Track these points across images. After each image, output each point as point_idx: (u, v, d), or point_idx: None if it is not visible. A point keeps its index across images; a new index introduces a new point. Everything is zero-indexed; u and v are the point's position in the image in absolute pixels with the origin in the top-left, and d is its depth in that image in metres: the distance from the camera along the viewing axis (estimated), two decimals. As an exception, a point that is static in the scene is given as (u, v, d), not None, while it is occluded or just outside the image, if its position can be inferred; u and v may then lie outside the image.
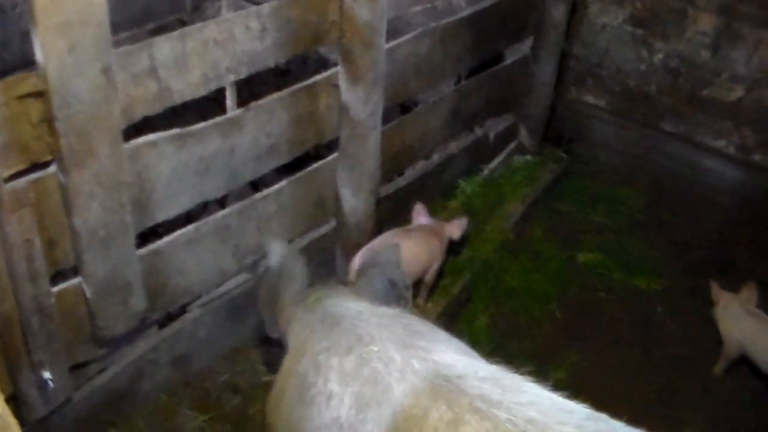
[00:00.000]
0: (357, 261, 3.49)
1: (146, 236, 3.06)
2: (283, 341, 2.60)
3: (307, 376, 2.16)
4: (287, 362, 2.35)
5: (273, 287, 2.73)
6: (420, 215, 3.92)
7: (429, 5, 4.71)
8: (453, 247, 3.99)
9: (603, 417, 1.80)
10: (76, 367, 2.99)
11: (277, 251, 2.81)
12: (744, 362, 3.81)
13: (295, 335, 2.40)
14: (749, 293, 3.83)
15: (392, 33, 3.61)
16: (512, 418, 1.73)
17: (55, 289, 2.68)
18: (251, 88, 3.62)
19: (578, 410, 1.80)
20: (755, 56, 4.60)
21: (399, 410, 1.88)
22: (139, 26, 4.97)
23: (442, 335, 2.20)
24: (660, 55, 4.95)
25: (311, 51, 4.85)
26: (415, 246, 3.62)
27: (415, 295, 3.82)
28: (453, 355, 2.03)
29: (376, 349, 2.04)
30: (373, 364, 2.01)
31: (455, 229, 3.88)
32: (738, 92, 4.75)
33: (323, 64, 3.47)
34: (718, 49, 4.72)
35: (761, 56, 4.59)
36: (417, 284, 3.78)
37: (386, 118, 3.73)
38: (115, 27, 2.46)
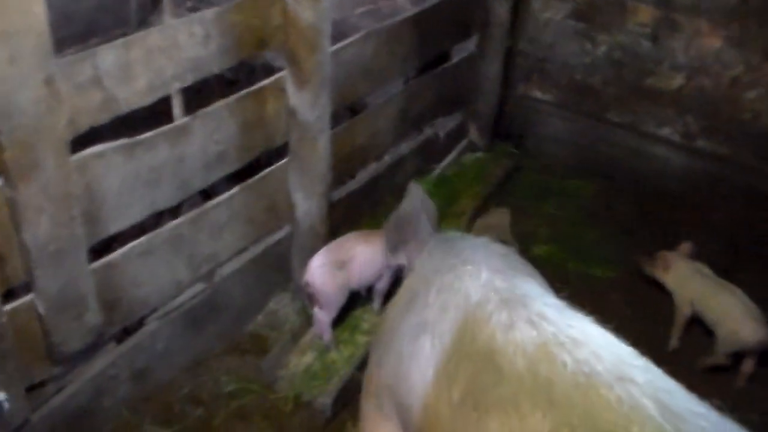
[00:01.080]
0: (315, 260, 3.50)
1: (101, 252, 3.03)
2: (402, 267, 3.07)
3: (417, 288, 2.57)
4: (407, 280, 2.75)
5: (405, 222, 3.03)
6: None
7: (373, 6, 4.72)
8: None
9: (647, 366, 2.01)
10: (33, 388, 2.92)
11: (414, 193, 3.09)
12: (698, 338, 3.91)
13: (420, 261, 2.78)
14: (686, 250, 4.10)
15: (338, 37, 3.61)
16: (557, 332, 2.03)
17: (7, 307, 2.62)
18: (200, 100, 3.60)
19: (620, 346, 2.07)
20: (693, 45, 4.70)
21: (470, 313, 2.24)
22: (83, 42, 4.92)
23: (536, 276, 2.61)
24: (603, 48, 5.03)
25: (258, 59, 4.84)
26: (371, 251, 3.62)
27: (370, 300, 3.87)
28: (533, 286, 2.39)
29: (470, 267, 2.42)
30: (464, 281, 2.37)
31: None
32: (679, 80, 4.84)
33: (270, 73, 3.46)
34: (658, 39, 4.81)
35: (698, 45, 4.69)
36: (370, 290, 3.80)
37: (336, 122, 3.74)
38: (60, 43, 2.43)
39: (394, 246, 3.09)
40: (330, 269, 3.48)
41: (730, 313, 3.76)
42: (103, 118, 2.67)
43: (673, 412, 1.82)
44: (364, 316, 3.84)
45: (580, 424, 1.85)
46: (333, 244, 3.61)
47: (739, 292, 3.81)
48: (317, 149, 3.47)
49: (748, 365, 3.77)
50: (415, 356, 2.36)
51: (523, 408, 1.94)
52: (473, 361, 2.13)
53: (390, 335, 2.58)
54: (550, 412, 1.90)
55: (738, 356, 3.79)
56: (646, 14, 4.81)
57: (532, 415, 1.92)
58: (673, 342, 3.95)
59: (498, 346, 2.08)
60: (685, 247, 4.12)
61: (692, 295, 3.94)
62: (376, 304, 3.83)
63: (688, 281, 3.99)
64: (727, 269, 4.09)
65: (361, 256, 3.58)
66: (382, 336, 2.71)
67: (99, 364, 3.14)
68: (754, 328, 3.67)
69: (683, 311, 3.95)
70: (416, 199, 3.07)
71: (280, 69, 3.35)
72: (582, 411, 1.86)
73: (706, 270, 4.02)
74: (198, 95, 3.77)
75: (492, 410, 2.01)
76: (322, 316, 3.57)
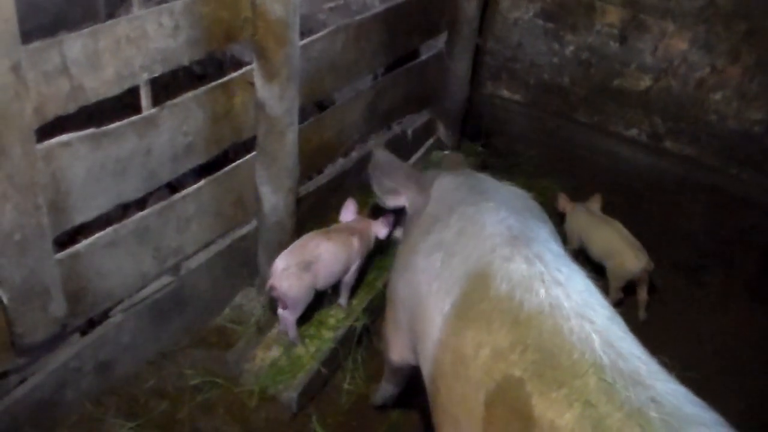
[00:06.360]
0: (279, 262, 3.49)
1: (66, 243, 3.01)
2: (403, 205, 3.34)
3: (439, 214, 2.87)
4: (428, 208, 3.01)
5: (389, 168, 3.40)
6: (348, 212, 3.91)
7: (341, 2, 4.73)
8: (380, 246, 3.99)
9: (611, 315, 2.27)
10: (-5, 379, 2.91)
11: (379, 152, 3.54)
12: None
13: (440, 191, 3.06)
14: (595, 202, 4.64)
15: (307, 33, 3.62)
16: (545, 272, 2.33)
17: (-30, 296, 2.61)
18: (169, 94, 3.59)
19: (595, 295, 2.35)
20: (660, 46, 4.75)
21: (480, 242, 2.55)
22: (51, 34, 4.89)
23: (548, 224, 2.86)
24: (571, 48, 5.07)
25: (227, 53, 4.83)
26: (334, 247, 3.63)
27: (337, 296, 3.88)
28: (543, 231, 2.68)
29: (492, 204, 2.73)
30: (483, 214, 2.68)
31: (381, 227, 3.84)
32: (646, 81, 4.89)
33: (239, 68, 3.46)
34: (626, 40, 4.85)
35: (665, 46, 4.74)
36: (337, 285, 3.80)
37: (305, 118, 3.74)
38: (27, 36, 2.40)
39: (388, 192, 3.34)
40: (295, 271, 3.47)
41: (612, 245, 4.27)
42: (70, 107, 2.66)
43: (615, 348, 2.07)
44: (330, 312, 3.85)
45: (532, 343, 2.16)
46: (296, 245, 3.59)
47: (619, 226, 4.34)
48: (285, 143, 3.47)
49: (642, 294, 4.28)
50: (426, 270, 2.69)
51: (494, 324, 2.27)
52: (469, 281, 2.46)
53: (409, 252, 2.89)
54: (512, 330, 2.22)
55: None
56: (614, 15, 4.85)
57: (499, 330, 2.25)
58: None
59: (492, 272, 2.40)
60: (595, 199, 4.65)
61: (578, 229, 4.51)
62: (343, 299, 3.84)
63: (575, 217, 4.56)
64: (693, 268, 4.14)
65: (326, 254, 3.58)
66: (401, 255, 3.02)
67: (63, 355, 3.12)
68: (636, 256, 4.17)
69: (571, 242, 4.53)
70: (382, 153, 3.51)
71: (248, 64, 3.35)
72: (537, 333, 2.17)
73: (594, 207, 4.57)
74: (166, 90, 3.75)
75: (471, 322, 2.35)
76: (288, 315, 3.57)
